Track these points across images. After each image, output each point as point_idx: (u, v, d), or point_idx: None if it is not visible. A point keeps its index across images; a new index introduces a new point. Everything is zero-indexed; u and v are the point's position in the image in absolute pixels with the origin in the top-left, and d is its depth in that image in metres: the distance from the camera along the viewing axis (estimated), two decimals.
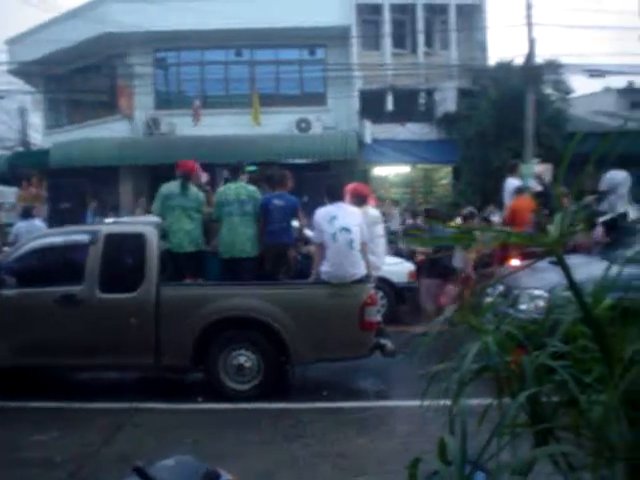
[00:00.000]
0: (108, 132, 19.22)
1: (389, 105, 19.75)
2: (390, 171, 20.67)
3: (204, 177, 8.74)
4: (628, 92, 27.90)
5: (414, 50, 20.51)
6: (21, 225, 11.35)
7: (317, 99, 20.31)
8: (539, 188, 11.37)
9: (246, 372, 6.63)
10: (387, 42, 20.13)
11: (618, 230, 8.61)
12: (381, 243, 8.27)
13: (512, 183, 11.19)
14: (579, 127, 15.83)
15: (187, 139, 18.14)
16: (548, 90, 18.95)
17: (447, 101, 19.29)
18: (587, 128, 15.11)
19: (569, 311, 1.64)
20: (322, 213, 6.97)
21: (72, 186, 18.54)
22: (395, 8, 20.16)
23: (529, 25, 17.84)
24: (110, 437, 5.54)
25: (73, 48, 19.58)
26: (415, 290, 10.28)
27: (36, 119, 25.68)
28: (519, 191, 10.60)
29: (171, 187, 7.56)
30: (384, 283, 9.72)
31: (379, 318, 7.42)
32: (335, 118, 19.58)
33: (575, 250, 8.20)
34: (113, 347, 6.66)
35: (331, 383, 7.40)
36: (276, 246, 7.43)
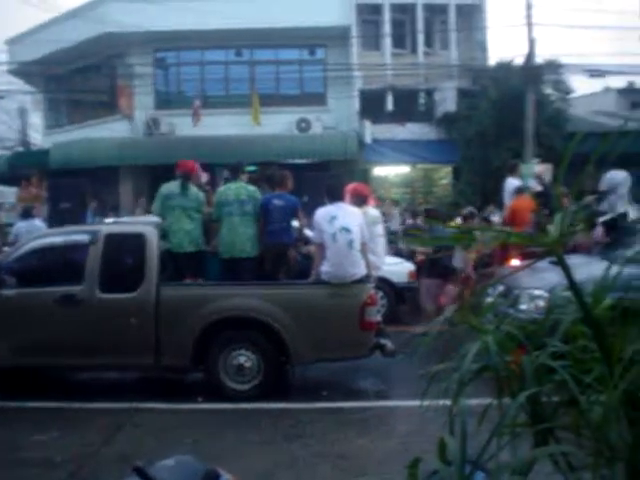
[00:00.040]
0: (108, 132, 19.22)
1: (389, 105, 19.75)
2: (390, 171, 20.67)
3: (204, 177, 8.75)
4: (628, 92, 27.90)
5: (414, 50, 20.52)
6: (21, 225, 11.35)
7: (317, 99, 20.31)
8: (539, 188, 11.37)
9: (246, 372, 6.63)
10: (387, 42, 20.14)
11: (618, 230, 8.61)
12: (381, 243, 8.27)
13: (512, 183, 11.20)
14: (579, 127, 15.83)
15: (187, 139, 18.14)
16: (548, 90, 18.97)
17: (447, 101, 19.30)
18: (587, 128, 15.10)
19: (569, 311, 1.65)
20: (322, 213, 6.97)
21: (72, 186, 18.52)
22: (395, 8, 20.17)
23: (529, 25, 17.85)
24: (110, 437, 5.54)
25: (73, 48, 19.58)
26: (415, 290, 10.28)
27: (36, 119, 25.69)
28: (519, 191, 10.60)
29: (171, 187, 7.56)
30: (384, 283, 9.72)
31: (379, 318, 7.42)
32: (335, 118, 19.58)
33: (575, 250, 8.21)
34: (113, 347, 6.66)
35: (331, 383, 7.40)
36: (276, 246, 7.43)
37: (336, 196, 7.17)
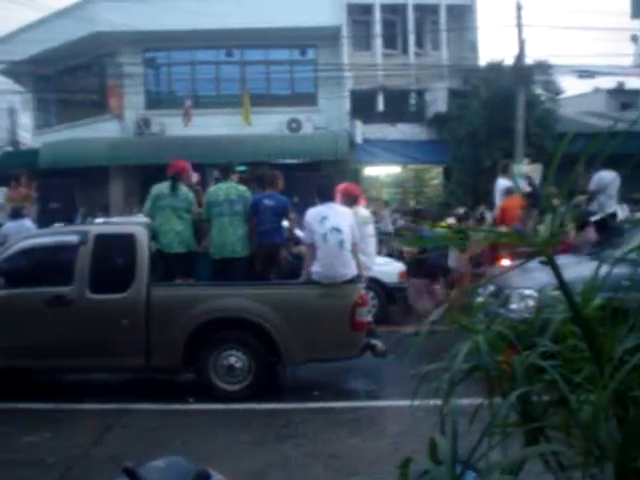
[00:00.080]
0: (98, 132, 19.15)
1: (380, 105, 19.79)
2: (381, 171, 20.71)
3: (195, 177, 8.72)
4: (618, 93, 28.06)
5: (405, 50, 20.57)
6: (10, 225, 11.27)
7: (308, 99, 20.31)
8: (528, 189, 11.42)
9: (237, 372, 6.62)
10: (378, 42, 20.18)
11: (607, 230, 8.66)
12: (372, 243, 8.28)
13: (502, 183, 11.25)
14: (569, 128, 15.91)
15: (178, 139, 18.11)
16: (538, 90, 19.07)
17: (438, 101, 19.36)
18: (577, 129, 15.18)
19: (559, 311, 1.65)
20: (313, 213, 6.97)
21: (61, 186, 18.44)
22: (386, 8, 20.21)
23: (519, 26, 17.92)
24: (100, 438, 5.52)
25: (63, 47, 19.50)
26: (406, 290, 10.30)
27: (25, 119, 25.59)
28: (509, 191, 10.65)
29: (161, 187, 7.53)
30: (375, 283, 9.73)
31: (370, 318, 7.43)
32: (326, 118, 19.58)
33: (566, 250, 8.25)
34: (103, 348, 6.63)
35: (322, 383, 7.39)
36: (267, 246, 7.42)
37: (327, 196, 7.17)
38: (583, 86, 26.16)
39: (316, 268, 6.76)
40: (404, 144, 19.34)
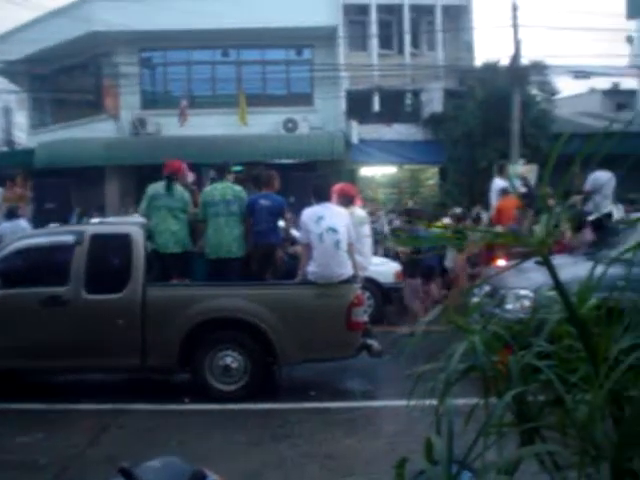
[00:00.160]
0: (94, 132, 19.13)
1: (376, 105, 19.80)
2: (377, 171, 20.72)
3: (191, 177, 8.71)
4: (613, 93, 28.12)
5: (401, 51, 20.58)
6: (6, 226, 11.24)
7: (304, 99, 20.31)
8: (523, 190, 11.43)
9: (233, 373, 6.61)
10: (374, 43, 20.19)
11: (603, 230, 8.67)
12: (368, 243, 8.28)
13: (498, 184, 11.26)
14: (564, 128, 15.94)
15: (174, 139, 18.09)
16: (534, 91, 19.10)
17: (433, 102, 19.38)
18: (572, 129, 15.20)
19: (555, 311, 1.65)
20: (309, 213, 6.97)
21: (57, 186, 18.40)
22: (382, 9, 20.22)
23: (515, 26, 17.96)
24: (95, 438, 5.51)
25: (58, 47, 19.46)
26: (402, 290, 10.32)
27: (21, 118, 25.51)
28: (505, 192, 10.67)
29: (157, 187, 7.52)
30: (371, 283, 9.73)
31: (366, 318, 7.43)
32: (322, 118, 19.59)
33: (564, 250, 8.27)
34: (99, 348, 6.61)
35: (318, 383, 7.39)
36: (263, 246, 7.41)
37: (323, 196, 7.17)
38: (578, 87, 26.21)
39: (312, 268, 6.76)
40: (400, 144, 19.36)
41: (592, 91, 28.03)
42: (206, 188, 7.86)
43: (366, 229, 8.28)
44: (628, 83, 26.34)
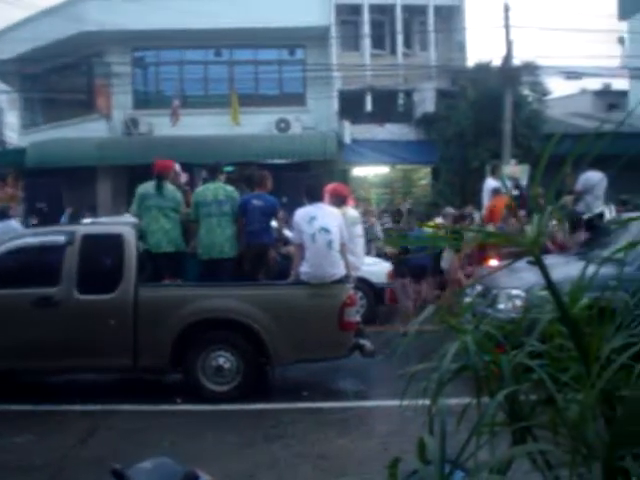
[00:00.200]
0: (85, 132, 19.04)
1: (368, 106, 19.80)
2: (369, 171, 20.73)
3: (183, 177, 8.69)
4: (604, 94, 28.26)
5: (393, 51, 20.59)
6: None
7: (296, 99, 20.30)
8: (515, 191, 11.46)
9: (225, 373, 6.60)
10: (366, 43, 20.19)
11: (595, 230, 8.71)
12: (360, 243, 8.28)
13: (491, 184, 11.30)
14: (556, 128, 15.99)
15: (166, 139, 18.03)
16: (525, 91, 19.14)
17: (426, 102, 19.39)
18: (564, 129, 15.25)
19: (546, 310, 1.66)
20: (301, 213, 6.97)
21: (48, 186, 18.34)
22: (374, 9, 20.23)
23: (507, 27, 18.00)
24: (86, 440, 5.49)
25: (50, 46, 19.36)
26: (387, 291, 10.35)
27: (12, 118, 25.40)
28: (497, 192, 10.71)
29: (147, 187, 7.50)
30: (363, 283, 9.74)
31: (358, 318, 7.44)
32: (314, 118, 19.58)
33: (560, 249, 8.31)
34: (91, 348, 6.59)
35: (311, 383, 7.39)
36: (255, 246, 7.41)
37: (315, 196, 7.17)
38: (570, 87, 26.31)
39: (305, 268, 6.76)
40: (392, 144, 19.37)
41: (583, 92, 28.16)
42: (198, 188, 7.85)
43: (358, 229, 8.28)
44: (619, 84, 26.49)
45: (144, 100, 20.55)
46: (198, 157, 14.66)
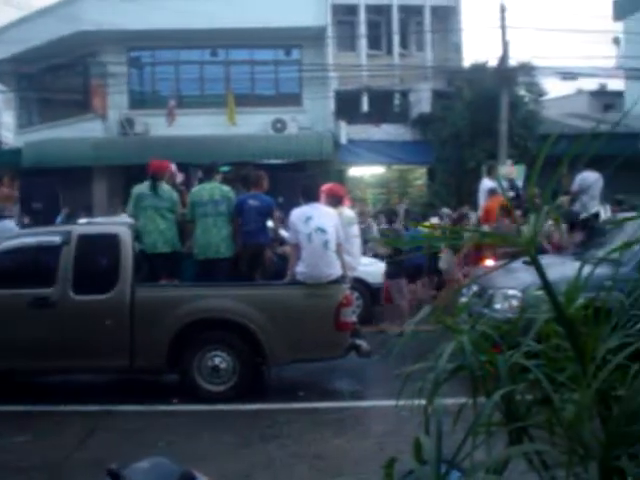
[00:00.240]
0: (81, 132, 19.00)
1: (364, 106, 19.81)
2: (365, 172, 20.73)
3: (179, 177, 8.69)
4: (600, 95, 28.34)
5: (389, 51, 20.60)
6: None
7: (292, 99, 20.29)
8: (511, 192, 11.47)
9: (222, 373, 6.60)
10: (362, 43, 20.20)
11: (590, 230, 8.73)
12: (356, 243, 8.29)
13: (487, 184, 11.31)
14: (552, 129, 16.02)
15: (162, 139, 18.01)
16: (521, 92, 19.16)
17: (422, 102, 19.40)
18: (560, 130, 15.28)
19: (542, 310, 1.66)
20: (297, 214, 6.97)
21: (44, 186, 18.29)
22: (370, 9, 20.24)
23: (503, 28, 18.02)
24: (83, 440, 5.48)
25: (46, 46, 19.32)
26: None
27: (8, 118, 25.35)
28: (493, 192, 10.72)
29: (142, 188, 7.48)
30: (359, 283, 9.74)
31: (354, 319, 7.44)
32: (310, 118, 19.57)
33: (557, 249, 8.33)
34: (87, 349, 6.58)
35: (307, 384, 7.39)
36: (252, 247, 7.40)
37: (311, 196, 7.17)
38: (566, 88, 26.37)
39: (301, 268, 6.76)
40: (388, 144, 19.38)
41: (579, 92, 28.24)
42: (194, 188, 7.85)
43: (355, 229, 8.29)
44: (615, 84, 26.55)
45: (140, 100, 20.52)
46: (194, 157, 14.64)
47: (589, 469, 1.43)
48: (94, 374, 7.52)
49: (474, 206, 12.91)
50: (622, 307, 1.66)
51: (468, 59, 20.48)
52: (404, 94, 20.38)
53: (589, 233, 8.67)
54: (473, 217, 12.42)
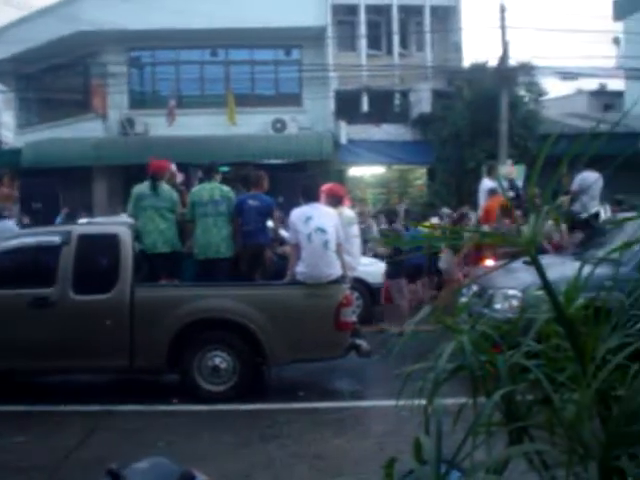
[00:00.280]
0: (81, 132, 19.01)
1: (364, 106, 19.81)
2: (365, 172, 20.73)
3: (179, 177, 8.69)
4: (600, 94, 28.34)
5: (389, 51, 20.60)
6: None
7: (292, 99, 20.29)
8: (511, 193, 11.46)
9: (222, 373, 6.60)
10: (362, 43, 20.20)
11: (590, 230, 8.73)
12: (356, 243, 8.29)
13: (487, 184, 11.31)
14: (552, 129, 16.02)
15: (162, 139, 18.00)
16: (521, 92, 19.16)
17: (422, 102, 19.40)
18: (560, 130, 15.28)
19: (542, 310, 1.66)
20: (297, 214, 6.97)
21: (44, 186, 18.28)
22: (370, 9, 20.24)
23: (503, 28, 18.01)
24: (83, 440, 5.48)
25: (45, 46, 19.32)
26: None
27: (8, 118, 25.34)
28: (493, 192, 10.72)
29: (142, 188, 7.48)
30: (359, 283, 9.74)
31: (354, 318, 7.44)
32: (311, 118, 19.57)
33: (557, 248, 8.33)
34: (87, 349, 6.58)
35: (307, 384, 7.39)
36: (252, 247, 7.41)
37: (311, 196, 7.17)
38: (566, 88, 26.37)
39: (301, 268, 6.76)
40: (388, 144, 19.37)
41: (579, 92, 28.24)
42: (194, 188, 7.85)
43: (355, 229, 8.29)
44: (615, 84, 26.55)
45: (140, 100, 20.52)
46: (194, 157, 14.65)
47: (589, 469, 1.43)
48: (94, 374, 7.53)
49: (474, 206, 12.91)
50: (622, 307, 1.66)
51: (468, 59, 20.49)
52: (404, 94, 20.37)
53: (589, 233, 8.67)
54: (473, 217, 12.41)
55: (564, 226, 9.52)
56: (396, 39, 20.31)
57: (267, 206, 7.54)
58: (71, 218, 15.38)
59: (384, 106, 20.21)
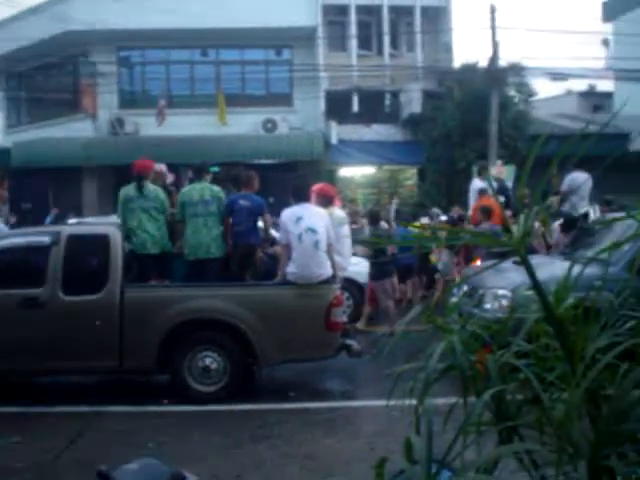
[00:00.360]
0: (71, 131, 18.91)
1: (355, 106, 19.82)
2: (356, 172, 20.74)
3: (170, 177, 8.66)
4: (589, 95, 28.49)
5: (380, 51, 20.62)
6: None
7: (283, 99, 20.28)
8: (501, 198, 11.49)
9: (212, 374, 6.59)
10: (353, 43, 20.21)
11: (579, 230, 8.78)
12: (347, 244, 8.29)
13: (477, 184, 11.35)
14: (542, 129, 16.07)
15: (152, 139, 17.95)
16: (511, 92, 19.22)
17: (412, 102, 19.42)
18: (549, 130, 15.31)
19: (532, 310, 1.67)
20: (288, 214, 6.97)
21: (34, 186, 18.21)
22: (361, 9, 20.25)
23: (493, 28, 18.07)
24: (73, 441, 5.45)
25: (35, 46, 19.20)
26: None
27: None
28: (483, 192, 10.76)
29: (128, 190, 7.41)
30: (350, 284, 9.74)
31: (345, 319, 7.44)
32: (301, 119, 19.57)
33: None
34: (77, 350, 6.55)
35: (298, 384, 7.39)
36: (242, 247, 7.40)
37: (302, 197, 7.17)
38: (556, 88, 26.47)
39: (291, 269, 6.76)
40: (379, 145, 19.39)
41: (569, 93, 28.38)
42: (184, 188, 7.82)
43: (345, 229, 8.30)
44: (604, 85, 26.69)
45: (130, 100, 20.45)
46: (184, 157, 14.62)
47: (578, 468, 1.44)
48: (84, 375, 7.49)
49: (464, 206, 12.95)
50: (611, 307, 1.67)
51: (458, 59, 20.53)
52: (395, 94, 20.40)
53: (578, 233, 8.71)
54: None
55: (555, 225, 9.58)
56: (386, 39, 20.33)
57: (258, 206, 7.53)
58: (61, 218, 15.32)
59: (375, 106, 20.22)
